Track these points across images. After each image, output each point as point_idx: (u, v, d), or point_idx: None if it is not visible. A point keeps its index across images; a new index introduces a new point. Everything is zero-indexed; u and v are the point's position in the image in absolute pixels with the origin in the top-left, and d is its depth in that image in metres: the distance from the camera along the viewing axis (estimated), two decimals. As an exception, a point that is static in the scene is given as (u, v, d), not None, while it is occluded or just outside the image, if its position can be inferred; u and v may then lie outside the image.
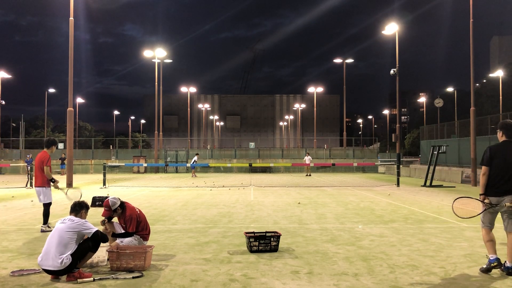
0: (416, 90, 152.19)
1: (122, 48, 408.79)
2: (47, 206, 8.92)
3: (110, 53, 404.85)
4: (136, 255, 5.62)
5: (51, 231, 8.42)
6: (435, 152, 21.63)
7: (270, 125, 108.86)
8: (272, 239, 6.77)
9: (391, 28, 29.20)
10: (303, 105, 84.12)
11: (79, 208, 5.68)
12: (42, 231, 8.61)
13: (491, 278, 5.36)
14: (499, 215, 5.62)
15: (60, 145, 46.28)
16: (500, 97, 51.17)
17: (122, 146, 65.37)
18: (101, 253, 5.87)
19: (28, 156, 30.96)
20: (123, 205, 6.51)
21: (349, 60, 51.92)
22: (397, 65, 28.41)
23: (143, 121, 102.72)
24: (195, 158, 32.17)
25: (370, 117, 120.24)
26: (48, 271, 5.25)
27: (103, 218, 6.48)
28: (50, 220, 9.03)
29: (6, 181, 26.09)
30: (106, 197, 13.00)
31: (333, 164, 29.26)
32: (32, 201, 14.23)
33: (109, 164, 31.20)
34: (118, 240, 6.36)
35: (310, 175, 32.24)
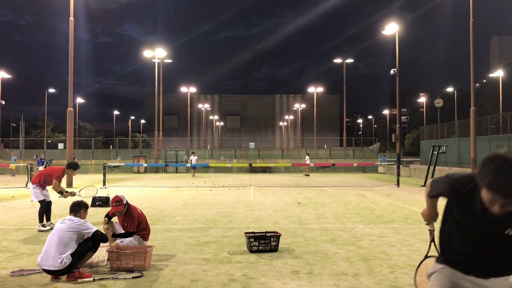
0: (416, 90, 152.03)
1: (122, 48, 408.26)
2: (42, 205, 8.93)
3: (109, 53, 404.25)
4: (136, 255, 5.62)
5: (47, 230, 8.47)
6: (435, 152, 21.64)
7: (270, 125, 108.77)
8: (272, 239, 6.76)
9: (391, 28, 29.21)
10: (303, 105, 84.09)
11: (77, 208, 5.68)
12: (39, 230, 8.61)
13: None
14: None
15: (60, 145, 46.33)
16: (500, 97, 51.17)
17: (122, 146, 65.36)
18: (101, 253, 5.87)
19: (37, 156, 30.82)
20: (126, 203, 6.53)
21: (349, 60, 51.97)
22: (397, 65, 28.41)
23: (143, 121, 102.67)
24: (196, 157, 32.15)
25: (370, 117, 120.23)
26: (48, 271, 5.25)
27: (109, 215, 6.48)
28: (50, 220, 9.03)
29: (6, 181, 26.08)
30: (106, 197, 13.06)
31: (333, 164, 29.27)
32: (32, 201, 14.20)
33: (110, 164, 31.15)
34: (118, 240, 6.36)
35: (308, 175, 32.16)
